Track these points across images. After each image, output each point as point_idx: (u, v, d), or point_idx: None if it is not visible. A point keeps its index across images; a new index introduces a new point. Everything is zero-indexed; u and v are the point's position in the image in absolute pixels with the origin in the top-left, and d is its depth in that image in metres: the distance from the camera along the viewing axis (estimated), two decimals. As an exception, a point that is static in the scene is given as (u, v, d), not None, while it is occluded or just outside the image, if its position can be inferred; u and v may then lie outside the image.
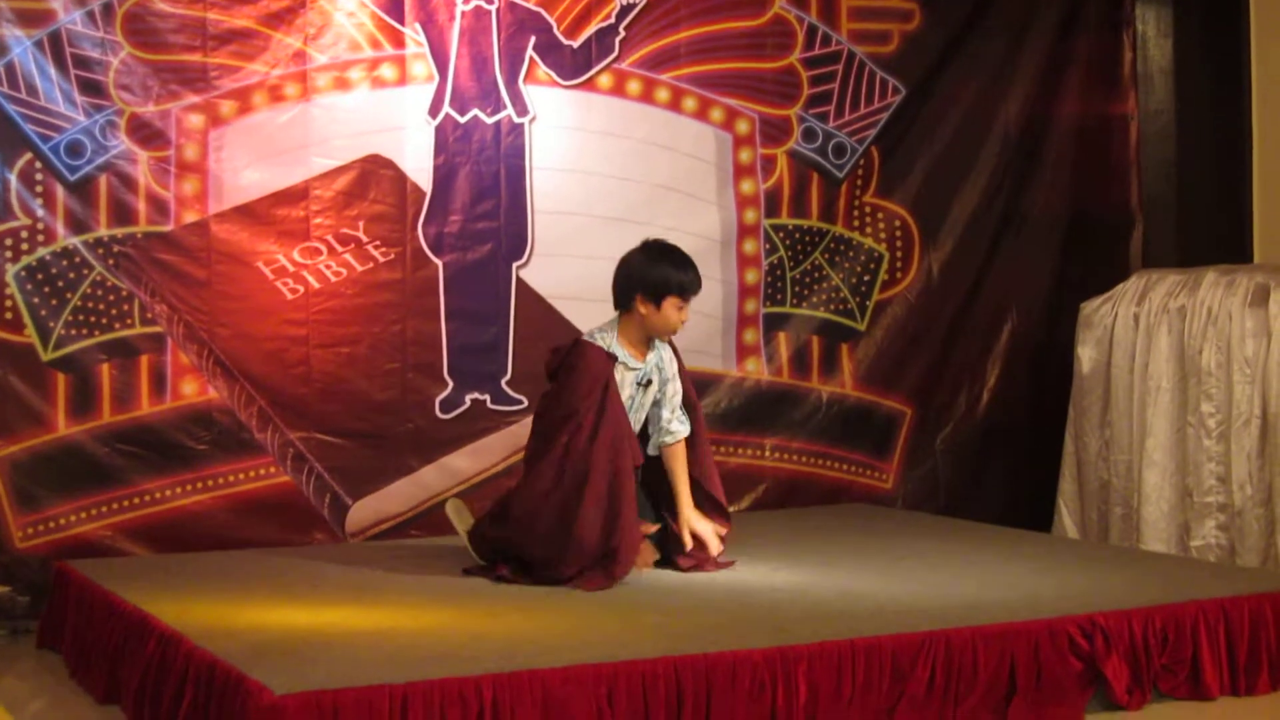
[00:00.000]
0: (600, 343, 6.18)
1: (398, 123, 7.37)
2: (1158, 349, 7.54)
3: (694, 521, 6.28)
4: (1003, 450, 8.46)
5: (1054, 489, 8.06)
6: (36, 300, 6.88)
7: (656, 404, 6.32)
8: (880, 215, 8.22)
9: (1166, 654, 5.42)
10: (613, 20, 7.66)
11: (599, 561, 5.98)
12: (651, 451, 6.38)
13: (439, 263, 7.42)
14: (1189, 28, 8.48)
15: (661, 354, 6.33)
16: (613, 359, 6.16)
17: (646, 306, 6.15)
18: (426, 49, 7.38)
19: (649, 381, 6.26)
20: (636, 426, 6.27)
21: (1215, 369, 7.31)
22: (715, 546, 6.29)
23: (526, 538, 6.05)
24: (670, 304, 6.14)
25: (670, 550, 6.35)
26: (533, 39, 7.54)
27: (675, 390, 6.35)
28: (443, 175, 7.43)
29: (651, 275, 6.15)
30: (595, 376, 6.10)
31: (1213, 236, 8.43)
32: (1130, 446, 7.64)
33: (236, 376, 7.12)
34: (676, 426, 6.33)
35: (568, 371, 6.16)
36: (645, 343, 6.25)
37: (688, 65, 7.81)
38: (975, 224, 8.39)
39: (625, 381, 6.19)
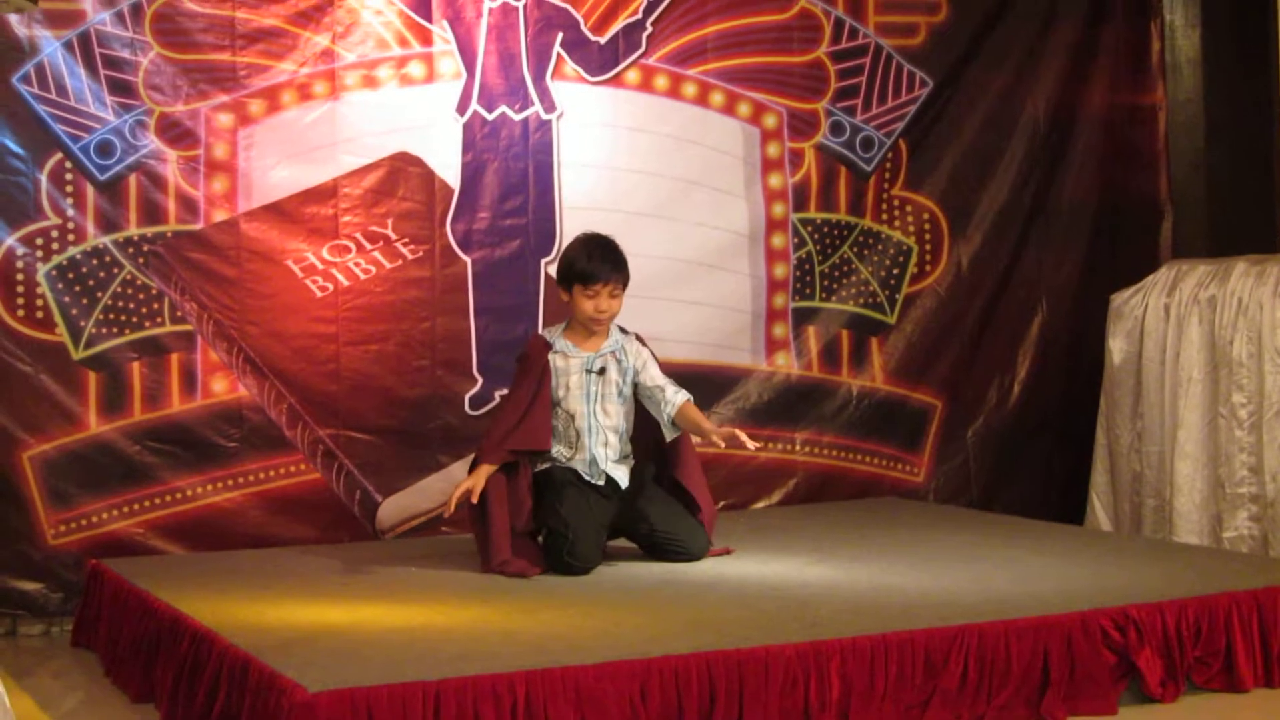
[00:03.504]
0: (545, 334, 6.44)
1: (426, 120, 7.38)
2: (1189, 340, 7.51)
3: (722, 434, 6.17)
4: (1034, 442, 8.43)
5: (1086, 481, 8.04)
6: (67, 299, 6.90)
7: (648, 396, 6.38)
8: (909, 208, 8.20)
9: (1200, 646, 5.40)
10: (639, 16, 7.65)
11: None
12: (667, 435, 6.44)
13: (468, 259, 7.43)
14: (1217, 17, 8.44)
15: (624, 346, 6.43)
16: (548, 346, 6.35)
17: (564, 294, 6.38)
18: (454, 46, 7.39)
19: (602, 369, 6.35)
20: (609, 418, 6.36)
21: (1246, 359, 7.29)
22: (750, 443, 6.06)
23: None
24: (578, 291, 6.31)
25: (663, 544, 6.41)
26: (560, 35, 7.54)
27: (654, 375, 6.39)
28: (471, 172, 7.44)
29: (563, 265, 6.40)
30: (531, 363, 6.34)
31: (1242, 226, 8.39)
32: (1162, 438, 7.62)
33: (266, 374, 7.13)
34: (676, 396, 6.32)
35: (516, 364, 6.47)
36: (590, 333, 6.39)
37: (715, 60, 7.81)
38: (1004, 216, 8.36)
39: (570, 369, 6.34)
